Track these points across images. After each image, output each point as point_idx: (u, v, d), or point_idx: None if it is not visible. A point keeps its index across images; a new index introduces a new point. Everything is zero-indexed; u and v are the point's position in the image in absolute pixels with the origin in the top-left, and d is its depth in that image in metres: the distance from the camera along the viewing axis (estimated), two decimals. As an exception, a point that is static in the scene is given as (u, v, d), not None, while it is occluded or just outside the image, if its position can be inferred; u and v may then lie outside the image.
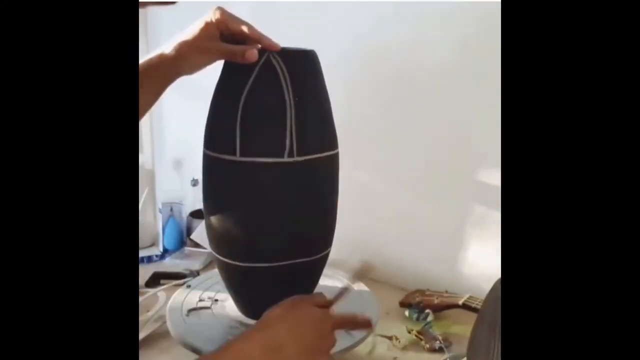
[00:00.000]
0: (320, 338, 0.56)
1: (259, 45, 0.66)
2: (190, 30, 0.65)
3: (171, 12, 1.40)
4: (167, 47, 0.65)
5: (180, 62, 0.65)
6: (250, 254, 0.70)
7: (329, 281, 0.87)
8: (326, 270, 0.80)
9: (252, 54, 0.63)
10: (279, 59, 0.66)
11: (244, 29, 0.65)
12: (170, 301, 0.81)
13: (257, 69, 0.65)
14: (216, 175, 0.69)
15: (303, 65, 0.68)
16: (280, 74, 0.65)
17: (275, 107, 0.65)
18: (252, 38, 0.65)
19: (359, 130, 1.14)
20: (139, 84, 0.62)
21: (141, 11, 1.40)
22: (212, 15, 0.64)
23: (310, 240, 0.73)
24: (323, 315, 0.57)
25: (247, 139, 0.66)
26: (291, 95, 0.65)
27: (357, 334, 0.74)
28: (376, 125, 1.14)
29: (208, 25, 0.64)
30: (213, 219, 0.73)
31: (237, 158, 0.66)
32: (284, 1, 1.19)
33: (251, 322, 0.75)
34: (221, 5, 0.67)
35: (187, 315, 0.77)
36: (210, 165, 0.70)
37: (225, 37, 0.65)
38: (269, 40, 0.66)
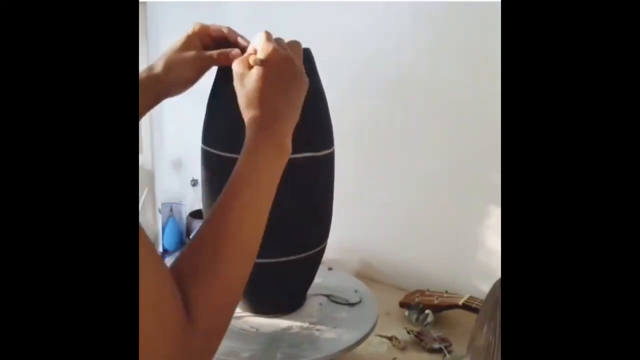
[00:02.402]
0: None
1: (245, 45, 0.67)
2: (172, 47, 0.66)
3: (171, 12, 1.41)
4: (155, 65, 0.66)
5: (170, 81, 0.66)
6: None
7: (330, 281, 0.87)
8: (342, 276, 0.80)
9: (236, 53, 0.65)
10: None
11: (226, 31, 0.67)
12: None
13: None
14: (213, 172, 0.70)
15: None
16: None
17: None
18: (233, 41, 0.67)
19: (359, 130, 1.14)
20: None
21: (141, 11, 1.41)
22: (190, 30, 0.66)
23: (305, 236, 0.73)
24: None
25: (241, 136, 0.67)
26: None
27: (357, 333, 0.74)
28: (376, 126, 1.14)
29: (189, 38, 0.66)
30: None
31: (232, 155, 0.67)
32: (281, 1, 1.20)
33: (249, 316, 0.75)
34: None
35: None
36: (207, 162, 0.71)
37: (209, 47, 0.67)
38: (249, 42, 0.67)
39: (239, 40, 0.67)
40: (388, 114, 1.12)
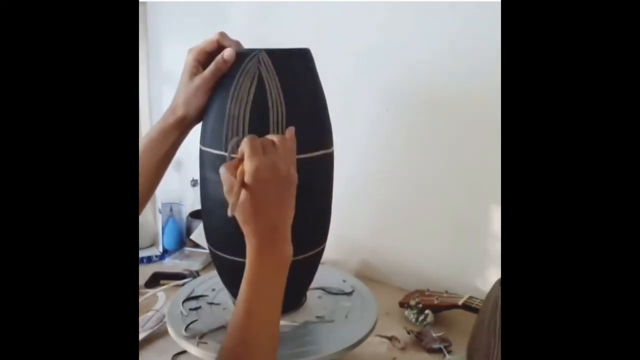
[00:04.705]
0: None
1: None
2: (181, 82, 0.70)
3: (171, 13, 1.41)
4: (175, 106, 0.70)
5: (192, 114, 0.70)
6: (244, 250, 0.71)
7: (331, 279, 0.87)
8: (327, 269, 0.81)
9: (229, 53, 0.67)
10: (265, 59, 0.66)
11: (218, 39, 0.69)
12: (170, 303, 0.82)
13: (240, 71, 0.67)
14: (211, 171, 0.70)
15: (292, 64, 0.69)
16: (265, 74, 0.66)
17: (261, 106, 0.66)
18: (227, 46, 0.69)
19: (358, 130, 1.14)
20: (163, 144, 0.70)
21: (141, 11, 1.41)
22: (188, 57, 0.69)
23: (305, 237, 0.73)
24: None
25: (235, 135, 0.67)
26: (275, 94, 0.66)
27: (358, 333, 0.74)
28: (375, 125, 1.14)
29: (189, 67, 0.69)
30: (208, 214, 0.75)
31: (226, 154, 0.67)
32: (284, 1, 1.20)
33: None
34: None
35: (187, 315, 0.77)
36: (205, 161, 0.71)
37: (209, 62, 0.69)
38: (238, 44, 0.70)
39: (225, 42, 0.68)
40: (388, 114, 1.12)
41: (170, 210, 1.33)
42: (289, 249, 0.58)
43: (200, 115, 0.71)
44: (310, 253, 0.74)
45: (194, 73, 0.69)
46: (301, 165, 0.68)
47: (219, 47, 0.69)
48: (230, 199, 0.55)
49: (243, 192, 0.54)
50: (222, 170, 0.56)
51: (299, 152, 0.67)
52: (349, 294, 0.85)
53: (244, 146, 0.56)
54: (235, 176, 0.55)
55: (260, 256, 0.56)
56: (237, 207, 0.55)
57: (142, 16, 1.43)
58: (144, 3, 1.43)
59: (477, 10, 0.96)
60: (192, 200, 1.37)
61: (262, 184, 0.55)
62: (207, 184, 0.72)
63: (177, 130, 0.70)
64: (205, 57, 0.69)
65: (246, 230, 0.57)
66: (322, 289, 0.85)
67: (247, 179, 0.55)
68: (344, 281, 0.89)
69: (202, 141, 0.72)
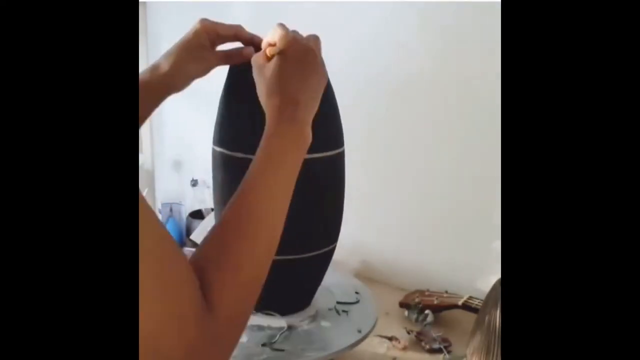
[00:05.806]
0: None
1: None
2: (182, 42, 0.65)
3: (171, 12, 1.41)
4: (160, 64, 0.64)
5: (176, 79, 0.65)
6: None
7: (330, 281, 0.87)
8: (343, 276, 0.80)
9: (249, 51, 0.64)
10: None
11: (236, 31, 0.66)
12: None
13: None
14: (225, 172, 0.70)
15: None
16: None
17: None
18: (244, 39, 0.66)
19: (359, 132, 1.14)
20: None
21: (141, 11, 1.41)
22: (197, 26, 0.65)
23: (316, 236, 0.73)
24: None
25: (252, 137, 0.67)
26: None
27: (358, 333, 0.74)
28: (376, 126, 1.14)
29: (196, 34, 0.64)
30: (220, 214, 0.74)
31: (244, 155, 0.67)
32: (287, 1, 1.20)
33: (253, 314, 0.75)
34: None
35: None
36: (219, 162, 0.71)
37: (216, 45, 0.67)
38: (261, 39, 0.66)
39: (255, 39, 0.66)
40: (387, 114, 1.12)
41: (170, 211, 1.33)
42: (309, 132, 0.55)
43: (182, 85, 0.66)
44: (320, 251, 0.74)
45: (199, 41, 0.64)
46: (313, 164, 0.67)
47: (234, 38, 0.66)
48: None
49: (272, 62, 0.55)
50: (255, 56, 0.58)
51: (310, 153, 0.67)
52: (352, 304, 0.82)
53: (275, 29, 0.57)
54: (266, 60, 0.56)
55: (281, 126, 0.53)
56: (261, 80, 0.56)
57: (142, 16, 1.43)
58: (144, 3, 1.43)
59: (484, 12, 0.96)
60: (191, 200, 1.37)
61: (295, 58, 0.55)
62: (219, 184, 0.72)
63: (154, 91, 0.64)
64: (215, 38, 0.66)
65: (268, 104, 0.55)
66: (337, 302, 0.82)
67: (279, 47, 0.55)
68: (356, 292, 0.85)
69: (215, 141, 0.71)
